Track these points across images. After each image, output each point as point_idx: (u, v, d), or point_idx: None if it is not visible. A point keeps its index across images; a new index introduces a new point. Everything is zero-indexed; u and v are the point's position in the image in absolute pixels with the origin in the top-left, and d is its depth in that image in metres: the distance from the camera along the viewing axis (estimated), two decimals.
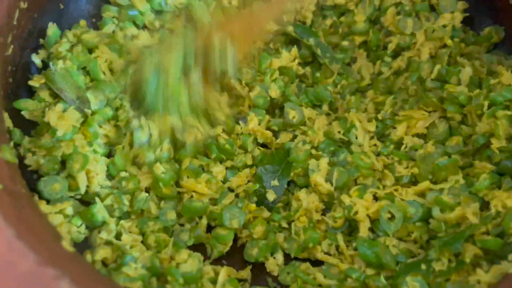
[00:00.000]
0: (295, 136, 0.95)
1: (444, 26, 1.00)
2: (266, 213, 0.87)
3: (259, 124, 0.94)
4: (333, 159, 0.90)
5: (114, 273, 0.72)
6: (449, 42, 0.99)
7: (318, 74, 1.04)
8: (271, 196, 0.89)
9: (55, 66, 0.88)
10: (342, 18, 1.08)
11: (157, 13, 1.05)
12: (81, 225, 0.80)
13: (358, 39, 1.06)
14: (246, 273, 0.84)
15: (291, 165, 0.90)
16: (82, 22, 0.98)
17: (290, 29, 1.06)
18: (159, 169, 0.84)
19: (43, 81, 0.88)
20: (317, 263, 0.84)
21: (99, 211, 0.80)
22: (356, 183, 0.89)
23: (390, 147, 0.91)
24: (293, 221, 0.86)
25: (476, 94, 0.86)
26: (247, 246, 0.85)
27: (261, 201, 0.89)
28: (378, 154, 0.91)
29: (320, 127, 0.94)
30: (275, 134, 0.95)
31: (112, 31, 1.00)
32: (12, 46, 0.83)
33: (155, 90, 0.82)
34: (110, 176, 0.88)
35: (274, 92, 0.97)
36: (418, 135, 0.91)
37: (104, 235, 0.78)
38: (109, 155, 0.90)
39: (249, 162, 0.92)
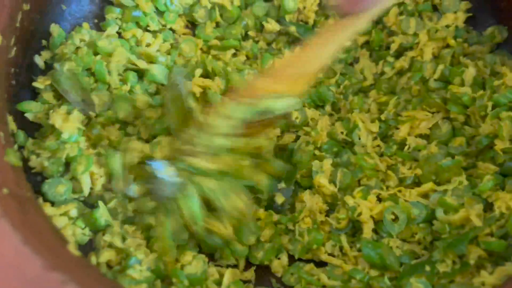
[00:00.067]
0: (298, 137, 0.95)
1: (447, 26, 1.00)
2: (274, 217, 0.87)
3: None
4: (336, 160, 0.90)
5: (119, 276, 0.72)
6: (452, 42, 0.98)
7: (320, 74, 1.04)
8: (279, 199, 0.89)
9: (61, 67, 0.88)
10: None
11: (160, 14, 1.05)
12: (85, 227, 0.80)
13: (361, 39, 1.06)
14: (250, 274, 0.84)
15: (295, 166, 0.90)
16: (85, 25, 0.98)
17: (292, 29, 1.06)
18: None
19: (47, 82, 0.88)
20: (321, 264, 0.84)
21: (102, 215, 0.80)
22: (359, 184, 0.88)
23: (393, 147, 0.91)
24: (297, 222, 0.86)
25: (480, 95, 0.86)
26: (252, 249, 0.85)
27: (270, 205, 0.89)
28: (381, 155, 0.91)
29: (323, 128, 0.94)
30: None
31: (116, 32, 1.00)
32: (15, 48, 0.83)
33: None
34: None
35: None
36: (421, 136, 0.91)
37: (108, 237, 0.78)
38: None
39: None
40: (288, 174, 0.90)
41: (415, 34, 1.01)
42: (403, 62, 1.01)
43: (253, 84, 0.81)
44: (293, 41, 1.08)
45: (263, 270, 0.85)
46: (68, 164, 0.83)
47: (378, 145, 0.93)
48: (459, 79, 0.91)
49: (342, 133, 0.94)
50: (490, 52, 0.98)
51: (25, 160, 0.82)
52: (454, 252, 0.73)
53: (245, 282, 0.82)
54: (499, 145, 0.81)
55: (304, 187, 0.89)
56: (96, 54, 0.93)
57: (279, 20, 1.08)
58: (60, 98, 0.89)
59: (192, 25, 1.09)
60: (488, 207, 0.78)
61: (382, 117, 0.95)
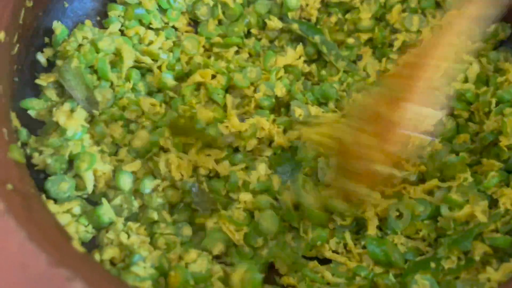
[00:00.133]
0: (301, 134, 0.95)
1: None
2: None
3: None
4: None
5: (123, 273, 0.72)
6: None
7: (323, 72, 1.04)
8: None
9: (68, 64, 0.88)
10: (347, 16, 1.08)
11: (162, 11, 1.05)
12: (88, 224, 0.80)
13: (364, 37, 1.06)
14: None
15: (300, 164, 0.89)
16: (87, 23, 0.98)
17: (295, 26, 1.06)
18: None
19: (50, 80, 0.88)
20: (325, 261, 0.84)
21: (105, 212, 0.80)
22: None
23: None
24: (302, 219, 0.85)
25: (483, 92, 0.86)
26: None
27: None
28: None
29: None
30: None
31: (118, 29, 1.00)
32: (18, 45, 0.83)
33: None
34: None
35: (280, 90, 0.97)
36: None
37: (111, 235, 0.78)
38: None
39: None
40: (292, 171, 0.90)
41: (418, 31, 1.01)
42: None
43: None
44: (295, 39, 1.08)
45: (267, 267, 0.85)
46: (71, 161, 0.83)
47: None
48: (462, 75, 0.91)
49: None
50: (494, 49, 0.98)
51: (28, 157, 0.81)
52: (459, 248, 0.73)
53: None
54: (504, 141, 0.81)
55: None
56: (98, 51, 0.92)
57: (281, 18, 1.08)
58: (62, 95, 0.89)
59: (195, 22, 1.09)
60: (493, 203, 0.78)
61: None
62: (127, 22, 1.01)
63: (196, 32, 1.07)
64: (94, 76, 0.91)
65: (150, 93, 0.99)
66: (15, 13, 0.81)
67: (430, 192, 0.83)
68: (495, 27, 0.99)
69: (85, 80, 0.87)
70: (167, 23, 1.05)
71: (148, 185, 0.85)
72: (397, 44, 1.02)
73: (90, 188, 0.83)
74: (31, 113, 0.86)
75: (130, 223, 0.80)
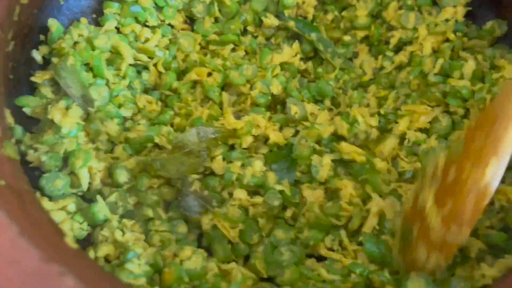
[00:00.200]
0: (297, 132, 0.94)
1: (447, 20, 1.00)
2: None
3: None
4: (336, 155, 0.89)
5: (117, 270, 0.72)
6: (451, 36, 0.98)
7: (320, 69, 1.03)
8: None
9: (64, 62, 0.88)
10: (344, 13, 1.08)
11: (159, 9, 1.05)
12: (83, 221, 0.80)
13: (360, 34, 1.06)
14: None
15: (295, 162, 0.89)
16: (83, 20, 0.98)
17: (291, 24, 1.05)
18: None
19: (45, 77, 0.88)
20: (320, 258, 0.84)
21: (100, 210, 0.80)
22: None
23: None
24: (297, 217, 0.85)
25: (479, 89, 0.86)
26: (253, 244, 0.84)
27: None
28: None
29: (322, 122, 0.94)
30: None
31: (114, 27, 1.00)
32: (13, 42, 0.83)
33: None
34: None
35: (276, 88, 0.97)
36: (421, 130, 0.91)
37: (106, 232, 0.78)
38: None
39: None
40: (288, 169, 0.90)
41: (415, 29, 1.01)
42: (402, 57, 1.00)
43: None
44: (292, 36, 1.08)
45: None
46: (66, 158, 0.83)
47: None
48: (458, 73, 0.91)
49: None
50: (490, 46, 0.98)
51: (23, 155, 0.81)
52: None
53: None
54: None
55: (303, 182, 0.89)
56: (94, 49, 0.92)
57: (278, 15, 1.08)
58: (58, 93, 0.88)
59: (191, 20, 1.08)
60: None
61: (382, 111, 0.94)
62: (123, 20, 1.00)
63: (192, 30, 1.07)
64: (89, 73, 0.91)
65: (146, 91, 0.99)
66: (10, 10, 0.81)
67: None
68: (491, 24, 0.99)
69: (81, 77, 0.87)
70: (163, 21, 1.05)
71: (144, 182, 0.85)
72: (393, 41, 1.02)
73: (85, 186, 0.83)
74: (26, 110, 0.86)
75: (125, 220, 0.80)
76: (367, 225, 0.82)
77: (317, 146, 0.89)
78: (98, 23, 1.00)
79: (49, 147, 0.82)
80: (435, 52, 0.99)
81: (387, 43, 1.03)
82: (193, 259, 0.76)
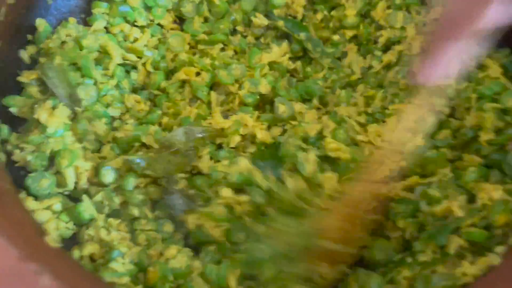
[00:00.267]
0: (285, 131, 0.95)
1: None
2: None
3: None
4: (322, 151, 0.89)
5: (101, 269, 0.72)
6: None
7: (309, 69, 1.04)
8: None
9: (51, 61, 0.88)
10: (333, 12, 1.07)
11: (148, 9, 1.05)
12: (69, 221, 0.80)
13: (349, 33, 1.06)
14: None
15: (282, 160, 0.89)
16: (71, 20, 0.98)
17: (280, 23, 1.06)
18: None
19: (32, 77, 0.88)
20: None
21: (86, 209, 0.80)
22: None
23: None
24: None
25: (464, 88, 0.86)
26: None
27: None
28: None
29: (310, 121, 0.94)
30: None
31: (103, 27, 1.00)
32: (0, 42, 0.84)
33: None
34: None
35: (264, 87, 0.97)
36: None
37: (91, 231, 0.79)
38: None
39: None
40: (275, 167, 0.90)
41: (403, 28, 1.01)
42: (391, 56, 1.01)
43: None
44: (281, 36, 1.08)
45: None
46: (52, 158, 0.83)
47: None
48: None
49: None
50: (477, 45, 0.98)
51: (9, 154, 0.82)
52: (434, 243, 0.73)
53: None
54: (483, 136, 0.81)
55: None
56: (82, 49, 0.92)
57: (267, 15, 1.08)
58: (45, 92, 0.89)
59: (180, 20, 1.09)
60: (472, 198, 0.78)
61: (369, 110, 0.94)
62: (111, 20, 1.01)
63: (182, 30, 1.07)
64: (77, 73, 0.91)
65: (134, 90, 0.99)
66: None
67: (411, 189, 0.83)
68: None
69: (68, 77, 0.88)
70: (152, 21, 1.05)
71: (131, 182, 0.85)
72: (381, 40, 1.02)
73: (71, 185, 0.83)
74: (13, 110, 0.86)
75: (110, 220, 0.81)
76: None
77: (303, 144, 0.90)
78: (86, 23, 1.01)
79: (35, 146, 0.82)
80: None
81: (376, 42, 1.03)
82: (178, 258, 0.77)
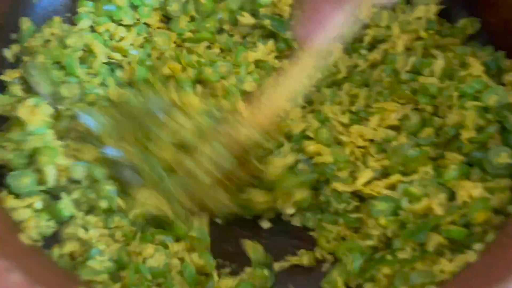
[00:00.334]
0: None
1: (419, 18, 1.00)
2: None
3: None
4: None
5: (78, 267, 0.72)
6: (423, 34, 0.98)
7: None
8: None
9: (34, 59, 0.88)
10: None
11: (134, 8, 1.05)
12: (50, 219, 0.80)
13: None
14: None
15: None
16: (56, 19, 0.98)
17: (267, 22, 1.05)
18: None
19: (14, 75, 0.88)
20: None
21: (66, 207, 0.80)
22: None
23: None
24: None
25: (447, 86, 0.86)
26: None
27: None
28: None
29: (294, 119, 0.94)
30: None
31: (89, 26, 1.00)
32: None
33: None
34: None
35: (249, 85, 0.97)
36: (391, 127, 0.91)
37: (71, 229, 0.79)
38: None
39: None
40: None
41: (388, 27, 1.01)
42: (376, 55, 1.00)
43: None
44: (268, 35, 1.08)
45: None
46: (33, 156, 0.83)
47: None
48: (428, 70, 0.91)
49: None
50: (462, 44, 0.98)
51: None
52: (414, 240, 0.73)
53: None
54: (465, 134, 0.81)
55: None
56: (66, 47, 0.92)
57: (254, 14, 1.08)
58: (28, 91, 0.89)
59: (167, 19, 1.09)
60: (453, 196, 0.78)
61: (353, 108, 0.94)
62: (97, 19, 1.00)
63: (168, 29, 1.07)
64: (61, 72, 0.91)
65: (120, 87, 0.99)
66: None
67: (393, 187, 0.83)
68: (464, 22, 0.99)
69: (51, 75, 0.87)
70: (138, 20, 1.05)
71: (98, 172, 0.85)
72: (366, 39, 1.02)
73: (51, 183, 0.83)
74: None
75: (89, 217, 0.81)
76: None
77: (286, 142, 0.90)
78: (72, 22, 1.01)
79: (16, 144, 0.82)
80: (408, 50, 0.99)
81: (361, 41, 1.03)
82: (156, 256, 0.77)
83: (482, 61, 0.87)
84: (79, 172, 0.84)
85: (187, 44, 1.04)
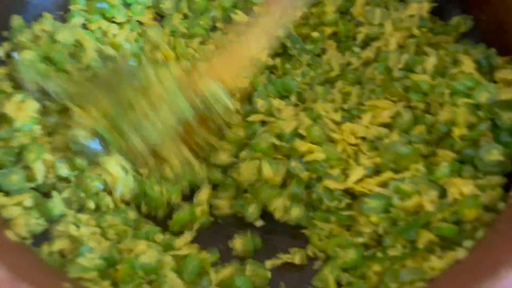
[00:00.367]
0: (264, 124, 0.95)
1: (411, 16, 1.00)
2: None
3: None
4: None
5: (67, 264, 0.72)
6: (416, 31, 0.98)
7: (288, 66, 1.03)
8: None
9: (20, 55, 0.88)
10: (312, 9, 1.07)
11: (127, 6, 1.05)
12: (40, 217, 0.80)
13: (328, 30, 1.05)
14: None
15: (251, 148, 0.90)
16: (47, 15, 0.97)
17: None
18: None
19: (3, 72, 0.87)
20: None
21: (56, 205, 0.80)
22: None
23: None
24: None
25: (438, 83, 0.86)
26: None
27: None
28: None
29: (286, 118, 0.94)
30: None
31: (82, 23, 1.00)
32: None
33: None
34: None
35: (241, 82, 0.97)
36: (383, 125, 0.91)
37: (62, 227, 0.78)
38: None
39: None
40: None
41: (381, 24, 1.01)
42: (369, 53, 1.00)
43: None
44: None
45: None
46: (21, 153, 0.82)
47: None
48: (420, 67, 0.91)
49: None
50: (456, 42, 0.98)
51: None
52: (404, 237, 0.73)
53: None
54: (456, 132, 0.81)
55: None
56: (56, 43, 0.92)
57: (247, 12, 1.08)
58: (18, 87, 0.88)
59: (160, 17, 1.08)
60: (445, 193, 0.78)
61: (345, 106, 0.94)
62: (89, 16, 1.00)
63: (161, 27, 1.07)
64: (51, 67, 0.90)
65: None
66: None
67: (385, 184, 0.83)
68: (457, 20, 0.99)
69: (39, 71, 0.87)
70: (131, 17, 1.05)
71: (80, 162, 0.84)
72: (360, 37, 1.02)
73: (40, 179, 0.82)
74: None
75: (80, 215, 0.80)
76: None
77: (277, 142, 0.90)
78: (64, 20, 1.00)
79: (3, 141, 0.82)
80: (401, 47, 0.99)
81: (355, 39, 1.03)
82: (148, 253, 0.76)
83: (474, 58, 0.87)
84: (64, 169, 0.84)
85: (180, 40, 1.04)
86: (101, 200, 0.83)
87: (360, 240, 0.80)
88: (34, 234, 0.79)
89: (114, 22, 1.03)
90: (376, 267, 0.74)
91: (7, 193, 0.80)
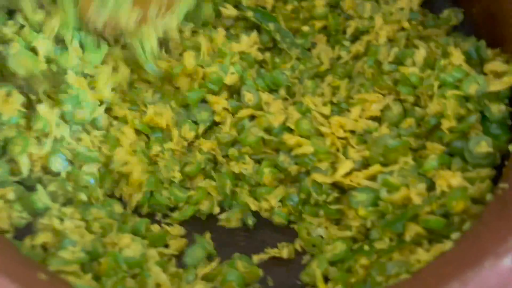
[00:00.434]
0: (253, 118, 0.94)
1: (401, 9, 0.99)
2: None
3: None
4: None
5: (48, 257, 0.71)
6: (406, 25, 0.97)
7: (277, 60, 1.03)
8: None
9: (6, 47, 0.86)
10: (303, 3, 1.07)
11: None
12: (23, 210, 0.79)
13: (318, 24, 1.05)
14: None
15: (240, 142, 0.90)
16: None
17: (250, 14, 1.04)
18: None
19: None
20: None
21: (40, 198, 0.79)
22: None
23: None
24: None
25: (427, 75, 0.85)
26: None
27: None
28: None
29: (275, 111, 0.93)
30: None
31: None
32: None
33: None
34: None
35: (230, 78, 0.96)
36: (373, 118, 0.90)
37: (45, 220, 0.77)
38: None
39: None
40: None
41: (371, 18, 1.00)
42: (359, 46, 0.99)
43: None
44: (251, 27, 1.07)
45: None
46: (6, 146, 0.82)
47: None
48: (410, 60, 0.90)
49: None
50: (447, 35, 0.97)
51: None
52: (391, 230, 0.72)
53: None
54: (445, 124, 0.80)
55: None
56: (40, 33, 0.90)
57: (237, 6, 1.07)
58: (3, 80, 0.87)
59: None
60: (433, 186, 0.77)
61: (334, 100, 0.93)
62: None
63: None
64: (36, 57, 0.89)
65: None
66: None
67: (373, 177, 0.82)
68: (447, 13, 0.98)
69: (25, 63, 0.86)
70: None
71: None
72: (349, 31, 1.01)
73: (25, 172, 0.82)
74: None
75: (64, 209, 0.79)
76: None
77: (266, 135, 0.89)
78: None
79: None
80: (391, 41, 0.98)
81: (344, 33, 1.02)
82: (132, 247, 0.75)
83: (464, 50, 0.86)
84: (59, 165, 0.83)
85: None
86: (92, 192, 0.82)
87: (348, 233, 0.79)
88: (17, 227, 0.78)
89: None
90: (363, 261, 0.73)
91: None
